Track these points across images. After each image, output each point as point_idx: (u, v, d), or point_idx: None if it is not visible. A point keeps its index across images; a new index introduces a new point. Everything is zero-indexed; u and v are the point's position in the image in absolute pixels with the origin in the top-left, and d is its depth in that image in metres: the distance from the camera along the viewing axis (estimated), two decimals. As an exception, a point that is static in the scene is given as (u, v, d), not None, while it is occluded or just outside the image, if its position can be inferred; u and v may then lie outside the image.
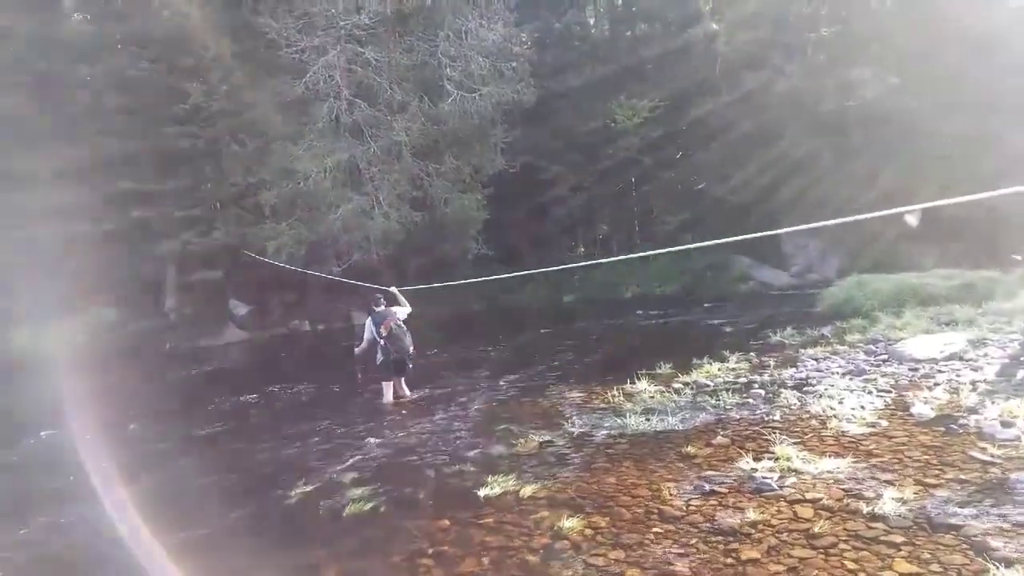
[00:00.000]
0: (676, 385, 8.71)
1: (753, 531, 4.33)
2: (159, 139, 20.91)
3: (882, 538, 4.08)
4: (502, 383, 10.38)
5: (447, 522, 5.06)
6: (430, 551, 4.59)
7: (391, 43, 21.81)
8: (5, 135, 20.70)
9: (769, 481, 5.05)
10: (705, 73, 25.80)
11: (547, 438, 6.94)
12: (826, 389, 7.63)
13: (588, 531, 4.62)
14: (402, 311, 9.90)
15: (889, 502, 4.45)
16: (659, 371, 9.62)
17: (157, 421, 10.03)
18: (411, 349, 9.54)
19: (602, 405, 8.15)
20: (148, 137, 20.96)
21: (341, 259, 22.14)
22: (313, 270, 21.20)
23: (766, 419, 6.82)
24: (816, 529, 4.24)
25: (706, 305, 19.32)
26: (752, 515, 4.50)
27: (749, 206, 23.29)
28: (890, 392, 7.29)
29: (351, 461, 6.88)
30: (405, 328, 9.55)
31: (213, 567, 4.71)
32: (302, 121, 21.40)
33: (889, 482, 4.85)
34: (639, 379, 8.98)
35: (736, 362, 9.85)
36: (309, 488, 6.09)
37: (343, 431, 8.27)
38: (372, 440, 7.66)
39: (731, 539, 4.27)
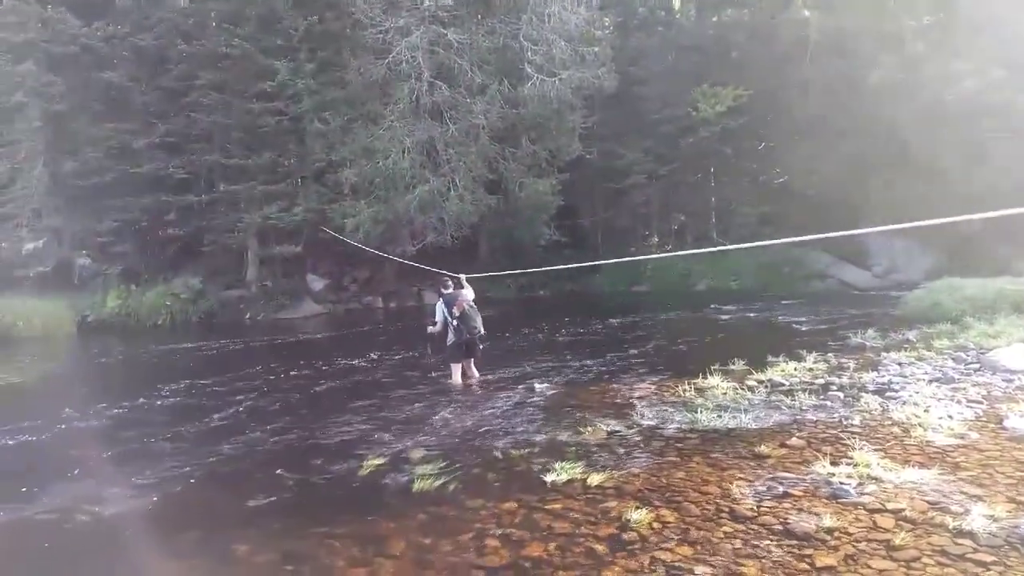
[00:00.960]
0: (750, 382, 8.50)
1: (829, 538, 4.19)
2: (245, 115, 21.61)
3: (970, 556, 3.88)
4: (570, 370, 10.36)
5: (514, 504, 5.08)
6: (496, 532, 4.62)
7: (473, 25, 21.85)
8: (108, 107, 21.83)
9: (847, 487, 4.88)
10: (794, 62, 24.87)
11: (615, 428, 6.89)
12: (911, 396, 7.31)
13: (656, 524, 4.56)
14: (469, 293, 9.94)
15: (978, 518, 4.22)
16: (732, 367, 9.42)
17: (235, 389, 10.43)
18: (482, 330, 9.57)
19: (672, 398, 8.04)
20: (235, 113, 21.70)
21: (415, 239, 22.48)
22: (388, 249, 21.64)
23: (845, 423, 6.59)
24: (897, 541, 4.07)
25: (783, 302, 18.77)
26: (828, 521, 4.35)
27: (833, 202, 22.45)
28: (981, 403, 6.93)
29: (420, 438, 6.99)
30: (476, 308, 9.59)
31: (284, 532, 4.87)
32: (383, 101, 21.73)
33: (978, 497, 4.61)
34: (711, 374, 8.81)
35: (813, 362, 9.55)
36: (379, 461, 6.22)
37: (413, 408, 8.41)
38: (441, 418, 7.77)
39: (805, 544, 4.15)
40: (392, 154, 20.78)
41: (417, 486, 5.51)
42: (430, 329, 9.89)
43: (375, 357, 12.77)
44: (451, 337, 9.52)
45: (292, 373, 11.48)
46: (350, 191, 21.50)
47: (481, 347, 9.79)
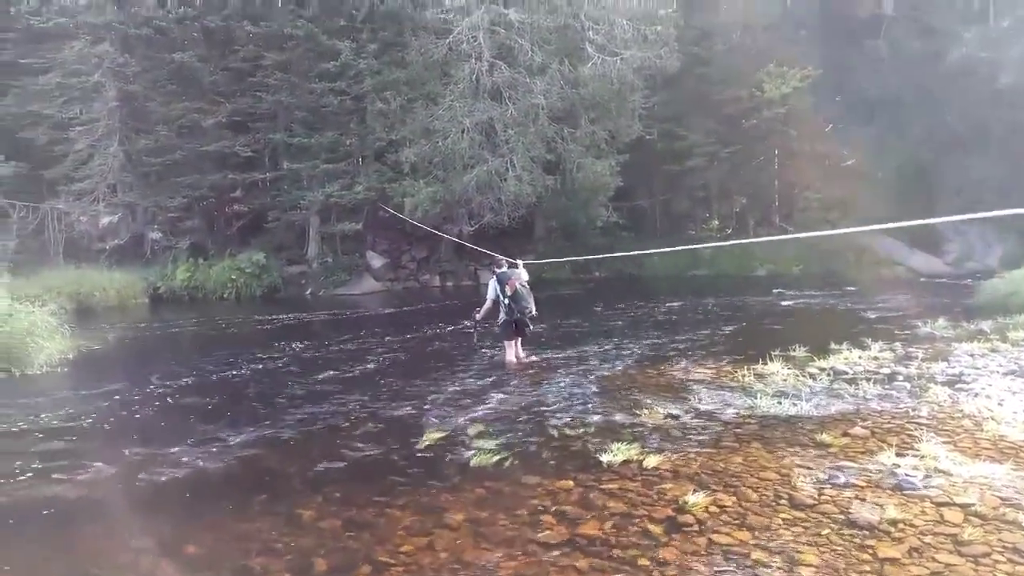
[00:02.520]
0: (811, 370, 8.35)
1: (893, 529, 4.11)
2: (309, 95, 21.99)
3: (1044, 554, 3.77)
4: (626, 352, 10.32)
5: (570, 483, 5.13)
6: (552, 509, 4.67)
7: (535, 4, 21.65)
8: (179, 87, 22.52)
9: (913, 479, 4.76)
10: (867, 39, 23.93)
11: (672, 411, 6.85)
12: (983, 388, 7.08)
13: (713, 508, 4.55)
14: (524, 272, 9.94)
15: (1054, 516, 4.09)
16: (793, 353, 9.25)
17: (296, 362, 10.74)
18: (533, 311, 9.55)
19: (731, 383, 7.95)
20: (299, 93, 22.11)
21: (473, 219, 22.60)
22: (445, 228, 21.84)
23: (911, 414, 6.42)
24: (965, 535, 3.97)
25: (847, 289, 18.25)
26: (892, 512, 4.26)
27: (904, 185, 21.64)
28: (1060, 398, 6.65)
29: (477, 414, 7.10)
30: (528, 288, 9.58)
31: (346, 499, 5.02)
32: (443, 81, 21.80)
33: (1055, 495, 4.45)
34: (771, 360, 8.67)
35: (879, 351, 9.31)
36: (438, 435, 6.34)
37: (469, 385, 8.53)
38: (497, 396, 7.86)
39: (867, 535, 4.08)
40: (451, 134, 20.88)
41: (475, 461, 5.61)
42: (477, 316, 9.90)
43: (432, 334, 12.96)
44: (502, 316, 9.55)
45: (351, 348, 11.76)
46: (409, 170, 21.70)
47: (531, 328, 9.78)
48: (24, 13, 21.69)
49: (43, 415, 7.71)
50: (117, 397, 8.52)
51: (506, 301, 9.38)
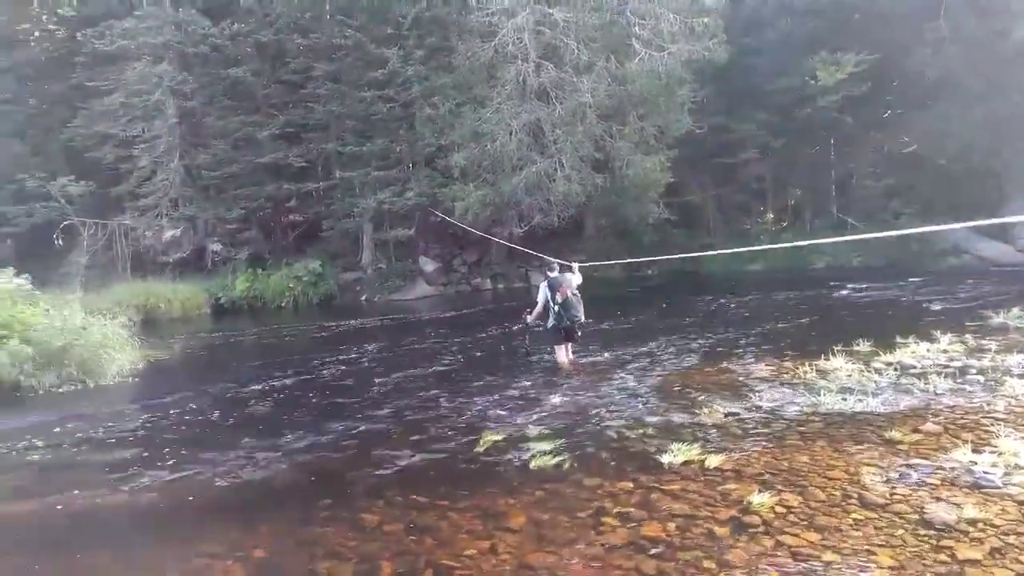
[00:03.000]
0: (876, 364, 8.09)
1: (972, 529, 3.95)
2: (359, 104, 22.37)
3: None
4: (683, 351, 10.18)
5: (630, 484, 5.08)
6: (614, 511, 4.63)
7: (579, 2, 21.55)
8: (234, 102, 23.19)
9: (991, 477, 4.57)
10: (926, 21, 23.06)
11: (733, 410, 6.73)
12: (1063, 380, 6.73)
13: (779, 508, 4.44)
14: (576, 278, 9.90)
15: None
16: (856, 348, 8.97)
17: (354, 367, 10.92)
18: (582, 318, 9.46)
19: (793, 380, 7.76)
20: (349, 102, 22.50)
21: (523, 221, 22.62)
22: (496, 231, 21.91)
23: (986, 408, 6.16)
24: (1051, 535, 3.79)
25: (911, 279, 17.63)
26: (970, 512, 4.10)
27: (969, 171, 20.79)
28: None
29: (535, 416, 7.09)
30: (579, 296, 9.51)
31: (408, 503, 5.07)
32: (490, 84, 21.88)
33: None
34: (834, 355, 8.43)
35: (948, 343, 8.96)
36: (496, 438, 6.35)
37: (525, 387, 8.53)
38: (553, 398, 7.84)
39: (944, 535, 3.93)
40: (499, 136, 20.94)
41: (535, 463, 5.61)
42: (528, 319, 9.88)
43: (485, 337, 13.02)
44: (551, 321, 9.47)
45: (406, 353, 11.91)
46: (459, 174, 21.85)
47: (579, 334, 9.68)
48: (90, 37, 22.63)
49: (116, 424, 8.02)
50: (185, 406, 8.81)
51: (556, 308, 9.31)
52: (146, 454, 6.78)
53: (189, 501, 5.52)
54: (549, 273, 9.67)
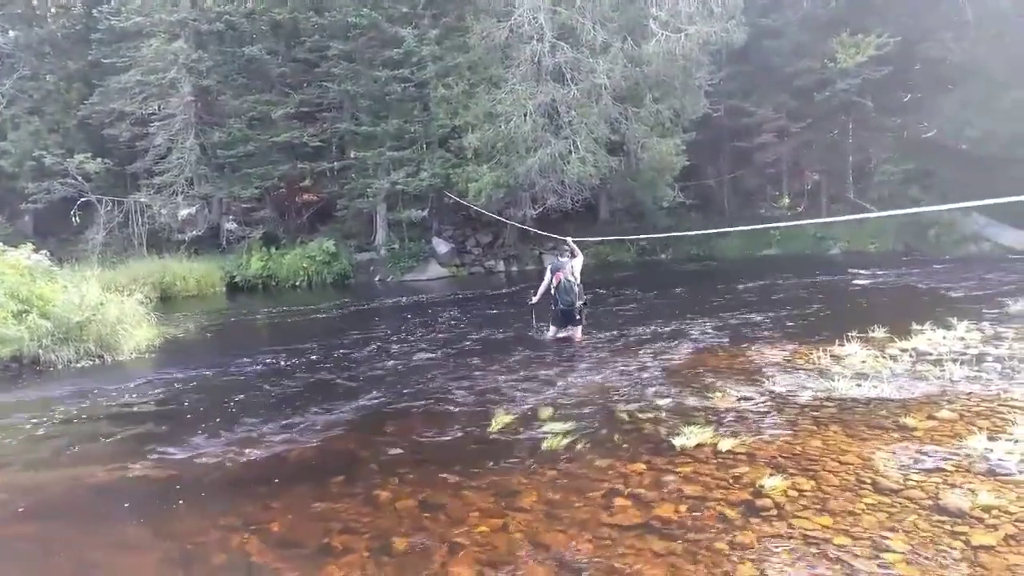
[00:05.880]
0: (891, 351, 8.04)
1: (987, 516, 3.93)
2: (373, 83, 22.29)
3: None
4: (696, 335, 10.16)
5: (642, 466, 5.10)
6: (626, 492, 4.66)
7: (596, -18, 21.31)
8: (249, 80, 23.19)
9: (1007, 464, 4.55)
10: (949, 3, 22.65)
11: (746, 394, 6.73)
12: (1082, 369, 6.67)
13: (792, 492, 4.44)
14: (578, 263, 10.09)
15: None
16: (872, 334, 8.92)
17: (368, 346, 10.99)
18: (578, 303, 9.74)
19: (806, 366, 7.73)
20: (364, 82, 22.43)
21: (536, 203, 22.54)
22: (509, 213, 21.85)
23: (1003, 396, 6.12)
24: (1066, 523, 3.77)
25: (928, 267, 17.47)
26: (985, 498, 4.08)
27: (991, 157, 20.49)
28: None
29: (546, 397, 7.12)
30: (574, 282, 9.76)
31: (421, 481, 5.12)
32: (505, 64, 21.73)
33: None
34: (848, 341, 8.40)
35: (965, 331, 8.88)
36: (508, 418, 6.38)
37: (537, 368, 8.56)
38: (566, 379, 7.86)
39: (959, 521, 3.92)
40: (514, 118, 20.82)
41: (547, 444, 5.63)
42: (534, 299, 10.33)
43: (497, 319, 13.04)
44: (551, 305, 9.98)
45: (420, 333, 11.95)
46: (473, 156, 21.78)
47: (579, 318, 9.91)
48: (106, 14, 22.63)
49: (132, 399, 8.13)
50: (201, 382, 8.91)
51: (552, 292, 9.86)
52: (163, 429, 6.87)
53: (205, 476, 5.59)
54: (559, 258, 10.15)
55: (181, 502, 5.09)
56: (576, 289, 9.71)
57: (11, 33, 25.33)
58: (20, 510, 5.10)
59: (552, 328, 10.17)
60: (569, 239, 10.59)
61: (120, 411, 7.66)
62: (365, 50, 22.67)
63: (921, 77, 25.26)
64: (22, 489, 5.54)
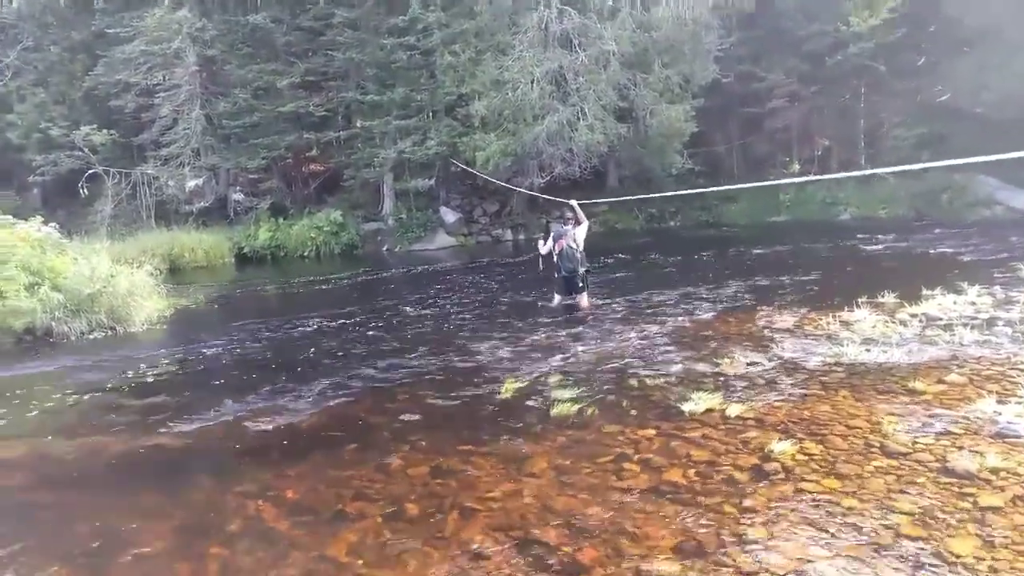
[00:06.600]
0: (901, 316, 8.03)
1: (994, 478, 3.96)
2: (379, 52, 22.06)
3: None
4: (705, 301, 10.15)
5: (652, 431, 5.14)
6: (635, 457, 4.70)
7: (604, -55, 20.94)
8: (254, 49, 22.99)
9: (1016, 427, 4.57)
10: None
11: (755, 360, 6.74)
12: (1094, 333, 6.64)
13: (800, 456, 4.48)
14: (582, 231, 10.03)
15: None
16: (881, 300, 8.89)
17: (379, 315, 11.04)
18: (581, 270, 9.77)
19: (816, 331, 7.73)
20: (369, 50, 22.19)
21: (544, 171, 22.38)
22: (517, 182, 21.71)
23: (1013, 360, 6.12)
24: (1074, 484, 3.79)
25: (939, 231, 17.34)
26: (993, 461, 4.11)
27: (1007, 121, 20.16)
28: None
29: (556, 363, 7.16)
30: (576, 249, 9.73)
31: (432, 448, 5.18)
32: (513, 31, 21.46)
33: None
34: (858, 307, 8.38)
35: (976, 295, 8.84)
36: (518, 385, 6.43)
37: (546, 335, 8.59)
38: (575, 346, 7.89)
39: (966, 483, 3.95)
40: (521, 85, 20.61)
41: (556, 410, 5.68)
42: (542, 249, 10.34)
43: (505, 286, 13.06)
44: (555, 272, 10.04)
45: (429, 302, 11.98)
46: (480, 124, 21.60)
47: (581, 285, 9.93)
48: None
49: (146, 370, 8.22)
50: (213, 352, 8.99)
51: (555, 259, 9.86)
52: (176, 399, 6.96)
53: (220, 444, 5.68)
54: (562, 223, 10.11)
55: (194, 470, 5.18)
56: (578, 256, 9.72)
57: (14, 3, 25.08)
58: (39, 479, 5.21)
59: (556, 296, 10.26)
60: (574, 202, 10.54)
61: (134, 381, 7.75)
62: (370, 17, 22.41)
63: (936, 39, 24.77)
64: (40, 459, 5.63)
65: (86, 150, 22.14)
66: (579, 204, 10.54)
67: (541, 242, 10.43)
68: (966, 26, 22.50)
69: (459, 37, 21.79)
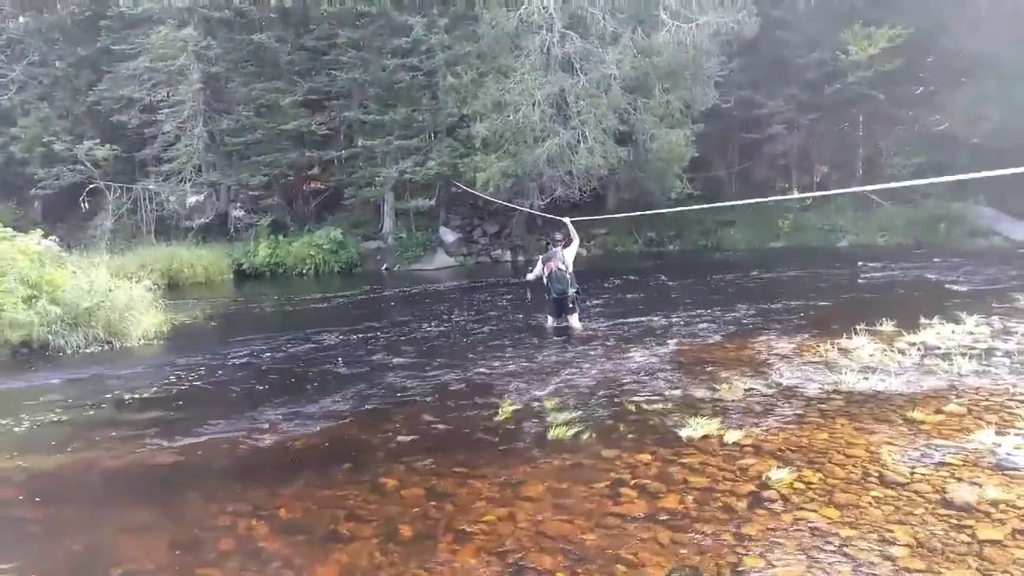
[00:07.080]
0: (900, 344, 8.02)
1: (993, 510, 3.93)
2: (382, 72, 22.24)
3: None
4: (703, 326, 10.13)
5: (648, 456, 5.11)
6: (632, 482, 4.67)
7: (606, -29, 21.16)
8: (258, 68, 23.17)
9: (1015, 458, 4.54)
10: (963, -5, 22.43)
11: (752, 386, 6.72)
12: (1092, 365, 6.63)
13: (798, 485, 4.45)
14: (570, 252, 10.11)
15: None
16: (879, 328, 8.89)
17: (376, 335, 11.01)
18: (571, 291, 9.82)
19: (813, 358, 7.72)
20: (372, 70, 22.38)
21: (544, 193, 22.46)
22: (516, 203, 21.80)
23: (1012, 391, 6.10)
24: (1074, 518, 3.77)
25: (937, 260, 17.37)
26: (992, 493, 4.08)
27: (1004, 151, 20.25)
28: None
29: (553, 387, 7.13)
30: (565, 271, 9.81)
31: (428, 469, 5.14)
32: (515, 54, 21.63)
33: None
34: (856, 335, 8.37)
35: (975, 325, 8.83)
36: (515, 408, 6.40)
37: (544, 358, 8.56)
38: (572, 369, 7.87)
39: (965, 515, 3.92)
40: (522, 107, 20.73)
41: (552, 434, 5.65)
42: (529, 276, 10.57)
43: (503, 308, 13.04)
44: (545, 294, 10.12)
45: (426, 323, 11.94)
46: (481, 145, 21.70)
47: (572, 307, 9.97)
48: (115, 0, 22.61)
49: (142, 385, 8.18)
50: (209, 368, 8.95)
51: (544, 281, 9.96)
52: (171, 415, 6.92)
53: (213, 461, 5.63)
54: (552, 247, 10.22)
55: (187, 488, 5.13)
56: (568, 277, 9.79)
57: (21, 19, 25.33)
58: (31, 494, 5.15)
59: (549, 319, 10.31)
60: (567, 219, 10.60)
61: (129, 397, 7.71)
62: (374, 38, 22.61)
63: (934, 70, 25.01)
64: (33, 473, 5.58)
65: (88, 164, 22.22)
66: (573, 222, 10.63)
67: (530, 270, 10.56)
68: (964, 56, 22.74)
69: (461, 59, 21.98)
